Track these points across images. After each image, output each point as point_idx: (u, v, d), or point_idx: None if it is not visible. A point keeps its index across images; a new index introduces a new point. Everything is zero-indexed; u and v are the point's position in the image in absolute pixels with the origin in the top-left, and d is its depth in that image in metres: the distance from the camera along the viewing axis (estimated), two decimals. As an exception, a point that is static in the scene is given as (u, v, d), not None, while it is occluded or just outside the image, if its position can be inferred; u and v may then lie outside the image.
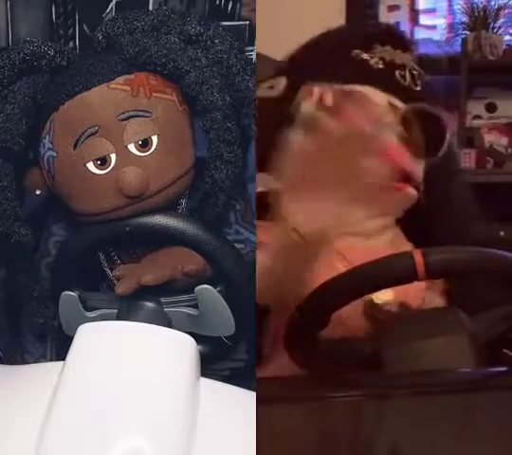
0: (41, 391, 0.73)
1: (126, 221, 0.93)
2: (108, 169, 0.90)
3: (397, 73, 0.92)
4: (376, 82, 0.90)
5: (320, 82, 0.90)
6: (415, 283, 0.82)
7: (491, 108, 2.54)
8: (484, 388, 0.71)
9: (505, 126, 2.50)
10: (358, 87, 0.90)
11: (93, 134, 0.90)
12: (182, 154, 0.94)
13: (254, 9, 1.22)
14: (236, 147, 0.93)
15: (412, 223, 0.94)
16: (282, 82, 0.96)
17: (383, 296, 0.86)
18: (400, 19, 2.59)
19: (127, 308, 0.90)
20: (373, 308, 0.88)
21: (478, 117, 2.53)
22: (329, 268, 0.90)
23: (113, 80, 0.91)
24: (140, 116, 0.90)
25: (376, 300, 0.87)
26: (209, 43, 0.95)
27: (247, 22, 1.24)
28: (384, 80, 0.91)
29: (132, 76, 0.92)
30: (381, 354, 0.78)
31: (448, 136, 0.91)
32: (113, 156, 0.90)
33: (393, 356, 0.78)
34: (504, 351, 0.84)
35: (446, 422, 0.67)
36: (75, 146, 0.90)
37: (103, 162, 0.90)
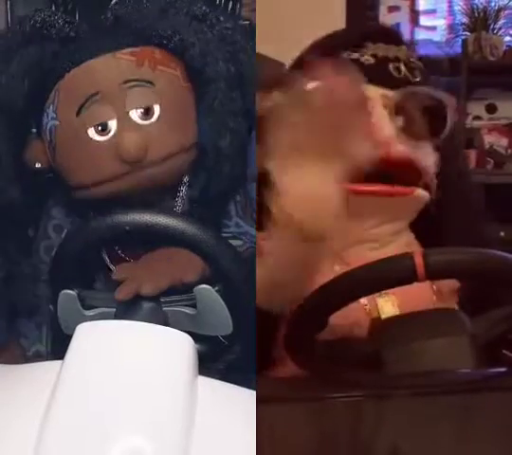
0: (39, 391, 0.72)
1: (129, 217, 0.91)
2: (109, 135, 0.90)
3: (391, 66, 0.92)
4: (370, 78, 0.89)
5: None
6: (424, 297, 0.82)
7: (491, 109, 2.54)
8: (483, 388, 0.71)
9: (505, 127, 2.50)
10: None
11: (96, 100, 0.90)
12: (184, 127, 0.94)
13: (254, 10, 1.22)
14: (240, 117, 0.93)
15: (424, 226, 0.94)
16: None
17: (388, 311, 0.87)
18: (400, 20, 2.59)
19: (125, 307, 0.90)
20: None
21: (478, 117, 2.53)
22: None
23: (119, 50, 0.92)
24: (144, 85, 0.91)
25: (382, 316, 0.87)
26: (214, 21, 0.96)
27: (247, 22, 1.24)
28: (376, 74, 0.91)
29: (138, 48, 0.93)
30: (381, 354, 0.78)
31: (449, 115, 0.90)
32: (114, 123, 0.90)
33: (393, 357, 0.78)
34: (504, 351, 0.84)
35: (445, 422, 0.67)
36: (78, 113, 0.91)
37: (104, 128, 0.90)
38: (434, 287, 0.91)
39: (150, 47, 0.93)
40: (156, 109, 0.91)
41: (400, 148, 0.88)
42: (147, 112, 0.91)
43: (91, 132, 0.90)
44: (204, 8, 0.97)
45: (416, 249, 0.90)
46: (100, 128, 0.90)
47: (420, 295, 0.88)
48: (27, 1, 1.32)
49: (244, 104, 0.95)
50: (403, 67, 0.93)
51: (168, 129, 0.92)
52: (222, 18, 0.97)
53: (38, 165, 0.97)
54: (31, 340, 1.06)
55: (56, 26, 0.95)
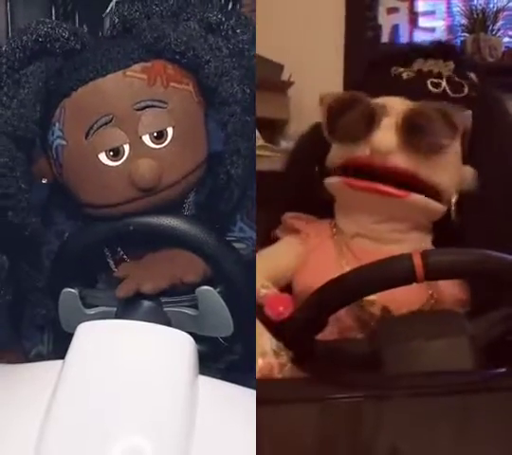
0: (40, 390, 0.72)
1: (134, 218, 0.91)
2: (121, 160, 0.87)
3: (429, 81, 0.93)
4: (404, 92, 0.92)
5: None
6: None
7: (490, 110, 2.54)
8: (483, 389, 0.71)
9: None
10: (381, 98, 0.92)
11: (106, 123, 0.87)
12: (196, 147, 0.92)
13: (254, 10, 1.22)
14: (252, 141, 0.92)
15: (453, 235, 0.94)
16: None
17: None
18: (399, 21, 2.59)
19: (126, 306, 0.90)
20: (357, 308, 0.88)
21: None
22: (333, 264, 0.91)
23: (129, 67, 0.88)
24: (156, 106, 0.88)
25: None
26: (230, 32, 0.93)
27: (252, 27, 1.24)
28: (411, 88, 0.93)
29: (149, 64, 0.89)
30: (381, 355, 0.78)
31: (457, 132, 0.90)
32: (126, 148, 0.87)
33: (392, 358, 0.78)
34: (504, 352, 0.84)
35: (445, 423, 0.67)
36: (86, 135, 0.88)
37: (116, 153, 0.87)
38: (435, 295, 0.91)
39: (161, 62, 0.89)
40: (169, 131, 0.88)
41: (399, 159, 0.89)
42: (160, 135, 0.88)
43: (102, 156, 0.87)
44: (219, 16, 0.93)
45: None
46: (111, 153, 0.87)
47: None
48: (27, 1, 1.32)
49: (252, 122, 0.92)
50: (444, 83, 0.94)
51: (181, 151, 0.89)
52: (238, 30, 0.93)
53: (44, 181, 0.95)
54: (33, 342, 1.06)
55: (60, 39, 0.91)
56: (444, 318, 0.83)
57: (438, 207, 0.92)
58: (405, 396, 0.69)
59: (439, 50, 0.98)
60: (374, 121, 0.89)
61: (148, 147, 0.88)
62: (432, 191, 0.91)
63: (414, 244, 0.92)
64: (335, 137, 0.94)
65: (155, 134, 0.88)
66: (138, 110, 0.87)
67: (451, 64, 0.96)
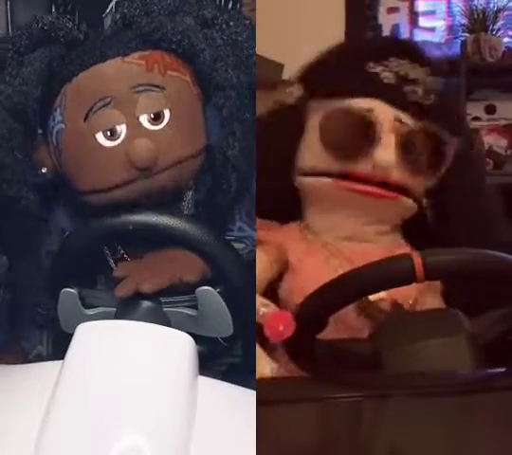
0: (40, 391, 0.73)
1: (132, 216, 0.91)
2: (118, 141, 0.89)
3: (407, 88, 0.94)
4: (385, 97, 0.93)
5: (331, 96, 0.94)
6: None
7: (490, 110, 2.55)
8: (482, 389, 0.71)
9: (505, 128, 2.50)
10: (366, 101, 0.92)
11: (105, 105, 0.89)
12: (193, 133, 0.93)
13: (254, 9, 1.22)
14: (248, 125, 0.93)
15: (421, 232, 0.97)
16: (297, 91, 0.98)
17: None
18: (400, 21, 2.59)
19: (126, 307, 0.90)
20: (367, 305, 0.88)
21: (477, 118, 2.54)
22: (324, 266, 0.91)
23: (127, 55, 0.90)
24: (154, 90, 0.90)
25: (370, 298, 0.88)
26: (224, 26, 0.95)
27: (247, 22, 1.24)
28: (393, 94, 0.94)
29: (146, 52, 0.91)
30: (381, 355, 0.78)
31: (447, 156, 0.94)
32: (123, 128, 0.89)
33: (392, 357, 0.78)
34: (503, 352, 0.84)
35: (445, 422, 0.67)
36: (85, 118, 0.89)
37: (113, 133, 0.89)
38: None
39: (159, 51, 0.92)
40: (166, 114, 0.90)
41: (398, 176, 0.92)
42: (157, 117, 0.89)
43: (99, 137, 0.89)
44: (214, 12, 0.95)
45: (409, 250, 0.93)
46: (108, 133, 0.88)
47: None
48: (27, 1, 1.32)
49: (250, 110, 0.94)
50: (420, 90, 0.94)
51: (178, 134, 0.91)
52: (232, 23, 0.95)
53: (44, 170, 0.95)
54: (32, 343, 1.06)
55: (64, 28, 0.94)
56: (443, 318, 0.83)
57: (415, 206, 0.96)
58: (405, 396, 0.69)
59: (414, 52, 0.98)
60: (375, 137, 0.91)
61: (145, 128, 0.89)
62: (408, 192, 0.95)
63: (392, 242, 0.96)
64: (334, 153, 0.94)
65: (152, 115, 0.89)
66: (136, 93, 0.89)
67: (428, 70, 0.97)
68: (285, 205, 0.98)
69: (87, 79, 0.90)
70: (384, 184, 0.92)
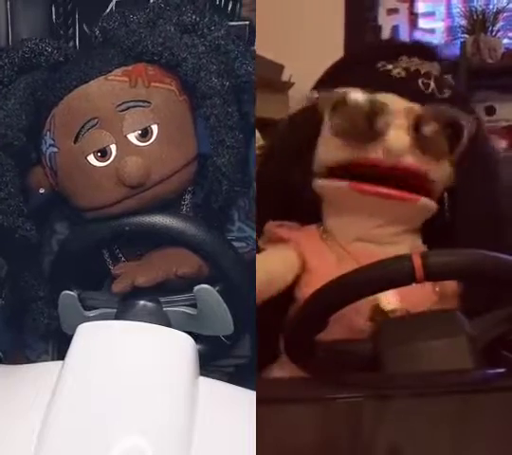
0: (40, 391, 0.72)
1: (129, 218, 0.92)
2: (109, 160, 0.90)
3: (420, 81, 0.94)
4: (398, 90, 0.92)
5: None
6: (422, 290, 0.83)
7: (490, 111, 2.54)
8: (482, 389, 0.71)
9: (504, 129, 2.50)
10: (380, 95, 0.91)
11: (93, 126, 0.90)
12: (184, 143, 0.94)
13: (254, 9, 1.22)
14: (237, 132, 0.93)
15: (439, 234, 0.95)
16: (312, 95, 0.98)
17: (390, 304, 0.87)
18: (399, 22, 2.59)
19: (126, 308, 0.91)
20: (380, 314, 0.88)
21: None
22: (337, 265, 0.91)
23: (110, 72, 0.91)
24: (139, 106, 0.90)
25: (384, 307, 0.87)
26: (205, 31, 0.96)
27: (247, 22, 1.24)
28: (404, 87, 0.93)
29: (129, 67, 0.92)
30: (381, 355, 0.78)
31: (464, 137, 0.91)
32: (113, 147, 0.90)
33: (392, 358, 0.78)
34: (503, 353, 0.84)
35: (445, 423, 0.67)
36: (76, 140, 0.90)
37: (104, 154, 0.90)
38: (437, 289, 0.91)
39: (142, 64, 0.92)
40: (154, 128, 0.90)
41: (411, 160, 0.89)
42: (145, 133, 0.90)
43: (91, 158, 0.90)
44: (194, 16, 0.95)
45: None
46: (99, 154, 0.90)
47: (421, 294, 0.88)
48: (27, 1, 1.32)
49: (241, 116, 0.94)
50: (432, 83, 0.94)
51: (168, 147, 0.91)
52: (213, 27, 0.95)
53: (42, 191, 0.97)
54: (37, 352, 1.06)
55: (44, 53, 0.95)
56: (443, 319, 0.83)
57: (435, 206, 0.93)
58: (405, 396, 0.69)
59: (423, 50, 0.98)
60: (386, 122, 0.89)
61: (134, 145, 0.90)
62: (428, 190, 0.92)
63: (410, 244, 0.93)
64: (344, 138, 0.93)
65: (140, 131, 0.90)
66: (122, 111, 0.90)
67: (437, 65, 0.97)
68: (306, 207, 0.97)
69: (73, 101, 0.91)
70: (394, 181, 0.89)
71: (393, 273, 0.74)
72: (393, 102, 0.91)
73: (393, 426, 0.67)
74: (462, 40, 2.46)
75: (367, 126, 0.90)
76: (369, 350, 0.80)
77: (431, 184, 0.92)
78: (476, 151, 0.95)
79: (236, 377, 0.87)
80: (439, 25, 2.59)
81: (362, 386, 0.73)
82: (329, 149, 0.94)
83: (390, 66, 0.95)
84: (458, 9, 2.53)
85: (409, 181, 0.90)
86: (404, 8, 2.60)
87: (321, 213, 0.98)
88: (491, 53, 2.39)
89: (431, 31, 2.61)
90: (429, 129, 0.89)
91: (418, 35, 2.60)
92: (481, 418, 0.68)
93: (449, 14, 2.58)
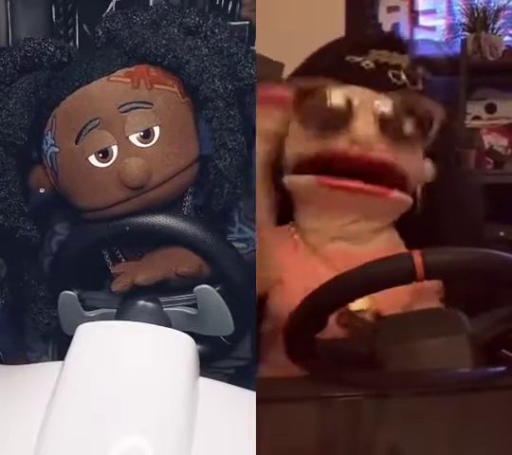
0: (40, 391, 0.73)
1: (129, 218, 0.92)
2: (110, 161, 0.90)
3: (390, 73, 0.93)
4: (368, 82, 0.91)
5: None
6: (393, 291, 0.82)
7: (491, 109, 2.54)
8: (482, 388, 0.71)
9: (505, 127, 2.49)
10: (348, 86, 0.91)
11: (94, 127, 0.89)
12: (185, 145, 0.94)
13: (254, 9, 1.22)
14: (239, 135, 0.93)
15: (414, 225, 0.94)
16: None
17: (358, 304, 0.85)
18: (400, 20, 2.58)
19: (126, 308, 0.91)
20: (347, 316, 0.87)
21: (477, 117, 2.53)
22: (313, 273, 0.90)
23: (113, 73, 0.91)
24: (141, 107, 0.90)
25: (351, 308, 0.87)
26: (208, 33, 0.95)
27: (247, 22, 1.24)
28: (374, 79, 0.92)
29: (132, 68, 0.92)
30: (380, 354, 0.78)
31: (434, 122, 0.92)
32: (114, 148, 0.90)
33: (392, 357, 0.78)
34: (503, 351, 0.84)
35: (444, 422, 0.67)
36: (77, 140, 0.90)
37: (105, 155, 0.90)
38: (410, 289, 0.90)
39: (144, 66, 0.92)
40: (156, 130, 0.90)
41: (379, 148, 0.88)
42: (147, 135, 0.90)
43: (92, 159, 0.90)
44: (197, 18, 0.95)
45: (399, 249, 0.91)
46: (100, 155, 0.89)
47: (392, 294, 0.88)
48: (27, 1, 1.32)
49: (243, 119, 0.94)
50: (403, 75, 0.93)
51: (169, 149, 0.91)
52: (216, 30, 0.95)
53: (42, 190, 0.97)
54: (38, 353, 1.06)
55: (47, 53, 0.95)
56: (443, 318, 0.83)
57: (410, 200, 0.93)
58: (404, 395, 0.69)
59: (392, 42, 0.98)
60: (352, 111, 0.89)
61: (135, 146, 0.90)
62: (402, 184, 0.91)
63: (387, 241, 0.93)
64: (308, 126, 0.91)
65: (142, 133, 0.90)
66: (124, 112, 0.90)
67: (406, 57, 0.96)
68: (279, 206, 0.96)
69: (75, 101, 0.91)
70: (364, 174, 0.88)
71: (393, 271, 0.74)
72: (361, 93, 0.90)
73: (393, 424, 0.67)
74: (463, 37, 2.45)
75: (334, 116, 0.89)
76: (369, 348, 0.80)
77: (404, 178, 0.91)
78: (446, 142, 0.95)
79: (236, 379, 0.86)
80: (440, 22, 2.58)
81: (362, 385, 0.73)
82: (297, 141, 0.93)
83: (358, 59, 0.94)
84: (459, 7, 2.52)
85: (380, 175, 0.89)
86: (404, 5, 2.60)
87: (293, 212, 0.97)
88: (492, 51, 2.38)
89: (432, 29, 2.60)
90: (397, 119, 0.89)
91: (419, 33, 2.59)
92: (480, 416, 0.69)
93: (450, 12, 2.58)
